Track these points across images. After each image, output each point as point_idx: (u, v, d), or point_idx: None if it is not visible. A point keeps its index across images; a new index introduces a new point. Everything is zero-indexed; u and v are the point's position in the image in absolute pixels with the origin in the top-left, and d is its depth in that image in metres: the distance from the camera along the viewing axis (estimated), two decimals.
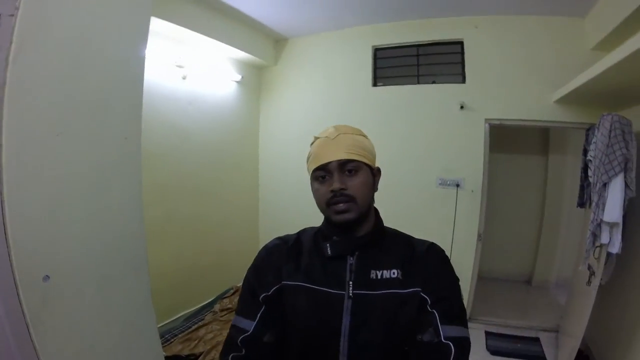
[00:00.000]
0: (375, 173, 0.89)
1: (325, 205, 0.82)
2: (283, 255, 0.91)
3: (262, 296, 0.86)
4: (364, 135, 0.90)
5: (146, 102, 2.80)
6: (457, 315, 0.78)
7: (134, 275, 1.40)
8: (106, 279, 1.30)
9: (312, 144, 0.89)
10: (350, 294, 0.82)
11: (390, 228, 0.94)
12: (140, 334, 1.46)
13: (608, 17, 2.44)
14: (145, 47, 1.41)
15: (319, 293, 0.84)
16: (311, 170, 0.86)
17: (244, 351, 0.83)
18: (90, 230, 1.26)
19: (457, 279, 0.86)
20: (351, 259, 0.85)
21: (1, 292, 1.02)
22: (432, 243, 0.89)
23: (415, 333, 0.76)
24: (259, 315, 0.85)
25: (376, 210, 0.93)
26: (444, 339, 0.73)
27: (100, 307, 1.28)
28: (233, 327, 0.87)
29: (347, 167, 0.81)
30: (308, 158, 0.89)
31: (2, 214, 1.01)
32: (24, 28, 1.00)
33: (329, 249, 0.86)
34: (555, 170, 4.29)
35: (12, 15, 0.98)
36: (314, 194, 0.86)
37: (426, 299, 0.79)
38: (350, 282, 0.83)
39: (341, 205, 0.80)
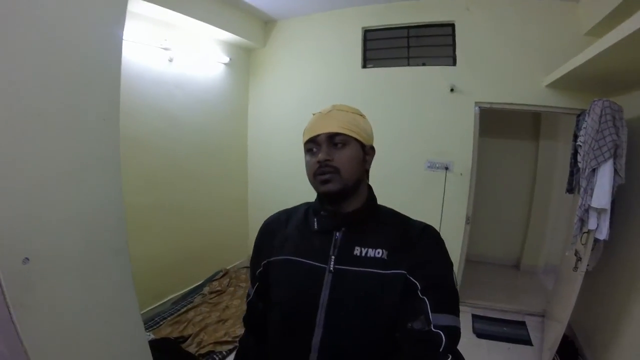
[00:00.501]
0: (368, 151, 0.89)
1: (312, 176, 0.84)
2: (277, 229, 0.95)
3: (257, 272, 0.95)
4: (361, 115, 0.90)
5: (132, 86, 2.81)
6: (449, 303, 0.77)
7: (114, 258, 1.39)
8: (87, 261, 1.29)
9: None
10: (331, 269, 0.83)
11: (387, 207, 0.94)
12: (123, 316, 1.46)
13: (602, 2, 2.40)
14: (122, 26, 1.38)
15: (303, 265, 0.86)
16: (304, 143, 0.87)
17: (247, 311, 1.03)
18: (70, 214, 1.24)
19: (451, 264, 0.83)
20: (337, 234, 0.86)
21: None
22: (427, 225, 0.87)
23: (406, 320, 0.75)
24: (255, 287, 0.98)
25: (370, 188, 0.93)
26: (435, 327, 0.72)
27: (81, 290, 1.28)
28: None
29: (335, 139, 0.82)
30: (304, 133, 0.89)
31: None
32: (1, 10, 0.98)
33: (315, 223, 0.89)
34: (545, 156, 4.30)
35: None
36: (305, 166, 0.87)
37: (415, 283, 0.77)
38: (333, 257, 0.84)
39: (325, 175, 0.81)
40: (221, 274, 3.93)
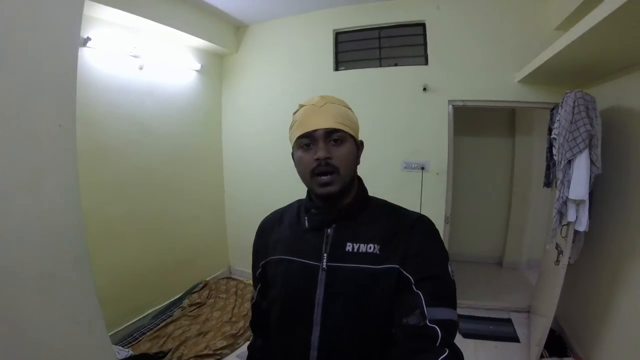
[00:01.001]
0: (359, 146, 0.90)
1: (310, 174, 0.81)
2: (271, 230, 0.96)
3: (257, 273, 0.97)
4: (349, 108, 0.90)
5: (101, 94, 2.72)
6: (444, 296, 0.75)
7: (74, 267, 1.30)
8: (45, 275, 1.19)
9: (295, 112, 0.88)
10: (324, 266, 0.82)
11: (378, 199, 0.93)
12: (86, 326, 1.36)
13: None
14: (78, 28, 1.32)
15: (297, 264, 0.86)
16: (295, 138, 0.84)
17: (252, 314, 1.04)
18: (25, 225, 1.14)
19: (446, 255, 0.82)
20: (329, 230, 0.85)
21: None
22: (421, 216, 0.86)
23: (401, 316, 0.73)
24: (257, 288, 0.99)
25: (360, 180, 0.93)
26: (430, 322, 0.70)
27: (41, 305, 1.18)
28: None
29: (333, 136, 0.81)
30: (291, 127, 0.87)
31: None
32: None
33: (306, 222, 0.88)
34: (521, 152, 4.34)
35: None
36: (296, 163, 0.85)
37: (409, 278, 0.76)
38: (325, 254, 0.83)
39: (325, 177, 0.80)
40: (201, 285, 3.83)
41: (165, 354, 2.70)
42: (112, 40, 2.76)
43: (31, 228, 1.16)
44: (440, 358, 0.64)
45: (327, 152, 0.79)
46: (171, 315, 3.26)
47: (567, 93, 2.22)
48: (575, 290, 2.66)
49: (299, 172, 0.85)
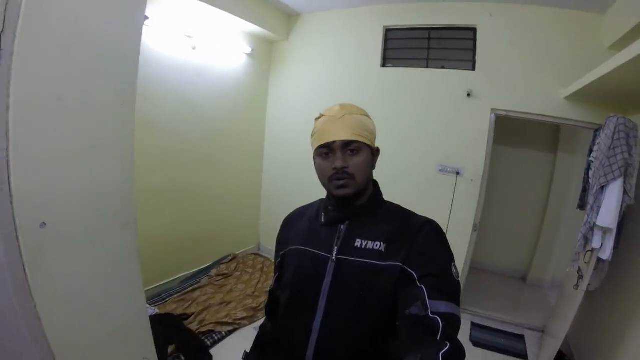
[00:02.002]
0: (375, 152, 0.96)
1: (328, 180, 0.90)
2: (293, 224, 1.07)
3: (277, 262, 1.07)
4: (368, 116, 0.95)
5: (155, 72, 2.93)
6: (447, 291, 0.77)
7: (122, 229, 1.49)
8: (96, 231, 1.39)
9: (317, 119, 0.94)
10: (334, 258, 0.90)
11: (394, 203, 1.00)
12: (125, 283, 1.55)
13: (628, 15, 2.33)
14: (142, 17, 1.46)
15: (310, 254, 0.94)
16: (315, 147, 0.92)
17: (268, 299, 1.13)
18: (84, 188, 1.34)
19: (451, 256, 0.85)
20: (342, 227, 0.93)
21: (3, 234, 1.11)
22: (430, 220, 0.91)
23: (404, 308, 0.77)
24: (276, 277, 1.08)
25: (375, 184, 1.00)
26: (432, 313, 0.72)
27: (89, 256, 1.38)
28: None
29: (350, 147, 0.87)
30: (313, 134, 0.94)
31: (7, 166, 1.10)
32: (30, 5, 1.08)
33: (323, 217, 0.98)
34: (562, 169, 4.21)
35: None
36: (316, 168, 0.93)
37: (412, 273, 0.80)
38: (336, 247, 0.91)
39: (341, 181, 0.87)
40: (229, 258, 4.04)
41: (188, 316, 2.92)
42: (168, 20, 2.92)
43: (90, 191, 1.35)
44: (442, 352, 0.65)
45: (343, 162, 0.86)
46: (198, 282, 3.50)
47: (609, 117, 2.16)
48: (592, 318, 2.62)
49: (319, 177, 0.93)
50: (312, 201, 1.11)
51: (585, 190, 2.72)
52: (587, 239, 2.21)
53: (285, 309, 0.97)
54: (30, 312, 1.19)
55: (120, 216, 1.48)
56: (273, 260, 3.46)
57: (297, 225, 1.05)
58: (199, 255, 3.75)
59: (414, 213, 0.95)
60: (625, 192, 2.05)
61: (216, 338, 2.76)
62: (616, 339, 2.23)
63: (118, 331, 1.54)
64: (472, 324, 3.35)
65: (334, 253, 0.90)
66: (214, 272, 3.73)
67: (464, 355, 0.69)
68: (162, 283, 3.34)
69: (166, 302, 3.11)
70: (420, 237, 0.86)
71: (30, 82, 1.13)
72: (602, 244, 2.14)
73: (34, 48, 1.12)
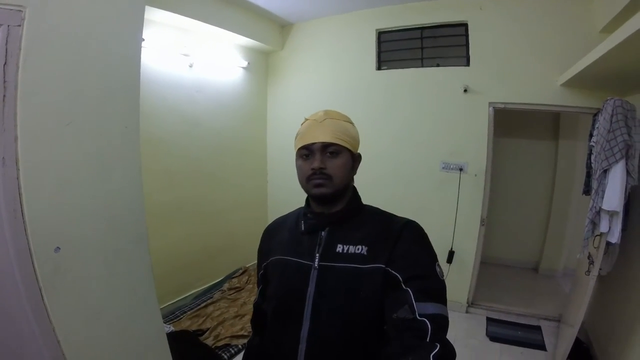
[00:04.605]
0: (356, 158, 0.96)
1: (306, 180, 0.90)
2: (274, 234, 1.05)
3: (260, 274, 1.06)
4: (351, 123, 0.96)
5: (154, 90, 2.97)
6: (432, 292, 0.77)
7: (135, 247, 1.52)
8: (110, 251, 1.42)
9: (302, 124, 0.96)
10: (316, 265, 0.89)
11: (371, 206, 0.99)
12: (142, 302, 1.59)
13: None
14: (140, 47, 1.52)
15: (292, 263, 0.93)
16: (297, 148, 0.93)
17: (253, 313, 1.10)
18: (96, 209, 1.38)
19: (434, 256, 0.86)
20: (323, 233, 0.93)
21: (18, 261, 1.15)
22: (409, 221, 0.91)
23: (391, 312, 0.77)
24: (259, 289, 1.07)
25: (354, 190, 0.99)
26: (420, 316, 0.73)
27: (105, 277, 1.42)
28: None
29: (329, 149, 0.88)
30: (296, 137, 0.95)
31: (19, 194, 1.15)
32: (30, 36, 1.14)
33: (303, 225, 0.97)
34: (565, 156, 4.20)
35: (19, 25, 1.12)
36: (297, 170, 0.93)
37: (397, 276, 0.80)
38: (317, 254, 0.90)
39: (318, 180, 0.87)
40: (240, 271, 4.05)
41: (203, 332, 2.93)
42: (164, 40, 2.99)
43: (102, 211, 1.39)
44: (432, 354, 0.65)
45: (321, 163, 0.87)
46: (211, 297, 3.51)
47: (607, 100, 2.17)
48: (607, 303, 2.59)
49: (299, 178, 0.93)
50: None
51: (589, 175, 2.72)
52: (594, 224, 2.20)
53: (272, 321, 0.97)
54: (49, 335, 1.22)
55: (132, 234, 1.51)
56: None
57: (277, 235, 1.04)
58: (210, 270, 3.77)
59: (394, 215, 0.95)
60: (628, 173, 2.05)
61: (233, 352, 2.77)
62: (632, 322, 2.21)
63: (137, 350, 1.57)
64: (488, 319, 3.32)
65: (316, 260, 0.90)
66: (226, 286, 3.74)
67: (455, 355, 0.69)
68: (175, 300, 3.36)
69: (180, 319, 3.12)
70: (402, 238, 0.86)
71: (36, 111, 1.17)
72: (609, 228, 2.13)
73: (37, 78, 1.16)
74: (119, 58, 1.44)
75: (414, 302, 0.75)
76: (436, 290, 0.79)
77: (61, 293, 1.25)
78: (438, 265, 0.84)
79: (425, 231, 0.91)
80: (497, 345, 2.92)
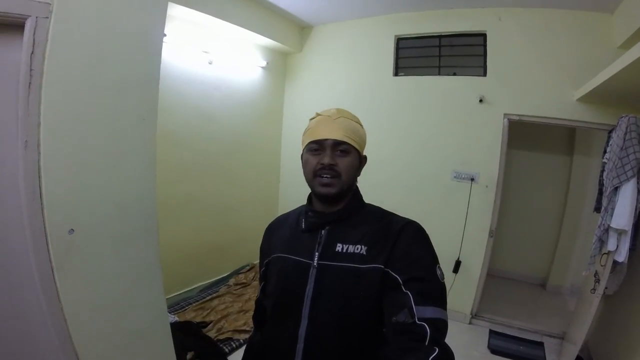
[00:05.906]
0: (362, 160, 0.97)
1: (312, 175, 0.90)
2: (275, 232, 1.07)
3: (261, 271, 1.05)
4: (360, 124, 0.97)
5: (173, 85, 3.04)
6: (432, 295, 0.77)
7: (145, 236, 1.57)
8: (120, 237, 1.48)
9: (312, 118, 0.97)
10: (315, 264, 0.89)
11: (373, 206, 0.99)
12: (148, 288, 1.64)
13: (637, 12, 2.31)
14: (161, 42, 1.58)
15: (291, 261, 0.94)
16: (306, 142, 0.93)
17: (255, 310, 1.10)
18: (110, 195, 1.44)
19: (435, 258, 0.85)
20: (323, 232, 0.93)
21: (33, 239, 1.21)
22: (411, 221, 0.90)
23: (391, 315, 0.76)
24: (261, 286, 1.06)
25: (356, 190, 0.99)
26: (419, 320, 0.72)
27: (114, 260, 1.47)
28: None
29: (340, 147, 0.89)
30: (305, 131, 0.95)
31: (39, 176, 1.22)
32: (56, 28, 1.20)
33: (303, 223, 0.97)
34: (579, 172, 4.12)
35: (47, 17, 1.19)
36: (303, 163, 0.94)
37: (397, 278, 0.79)
38: (317, 253, 0.90)
39: (326, 178, 0.88)
40: (247, 267, 4.08)
41: (207, 324, 2.98)
42: (185, 36, 3.05)
43: (114, 200, 1.45)
44: (431, 357, 0.65)
45: (332, 160, 0.87)
46: (217, 291, 3.55)
47: (621, 117, 2.14)
48: (612, 322, 2.55)
49: (304, 172, 0.93)
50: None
51: (601, 192, 2.67)
52: (602, 242, 2.18)
53: (271, 318, 0.97)
54: (57, 313, 1.27)
55: (144, 223, 1.57)
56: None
57: (278, 233, 1.04)
58: (217, 265, 3.82)
59: (395, 214, 0.95)
60: (639, 192, 2.02)
61: (234, 345, 2.80)
62: (636, 345, 2.17)
63: (140, 335, 1.62)
64: (491, 331, 3.29)
65: (315, 259, 0.89)
66: (232, 281, 3.78)
67: (453, 358, 0.69)
68: (181, 292, 3.41)
69: (185, 310, 3.17)
70: (402, 238, 0.85)
71: (59, 100, 1.24)
72: (617, 246, 2.10)
73: (62, 68, 1.23)
74: (140, 52, 1.49)
75: (413, 305, 0.74)
76: (436, 293, 0.78)
77: (71, 273, 1.31)
78: (439, 267, 0.83)
79: (432, 237, 0.89)
80: (498, 358, 2.89)
